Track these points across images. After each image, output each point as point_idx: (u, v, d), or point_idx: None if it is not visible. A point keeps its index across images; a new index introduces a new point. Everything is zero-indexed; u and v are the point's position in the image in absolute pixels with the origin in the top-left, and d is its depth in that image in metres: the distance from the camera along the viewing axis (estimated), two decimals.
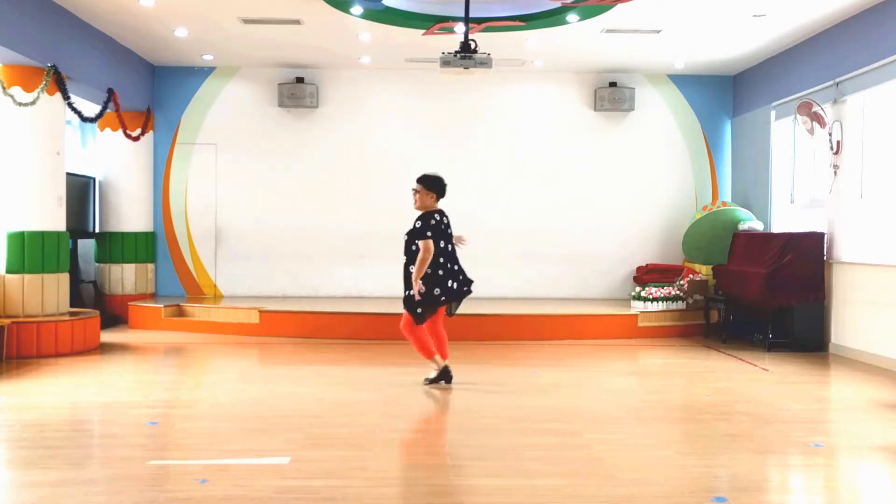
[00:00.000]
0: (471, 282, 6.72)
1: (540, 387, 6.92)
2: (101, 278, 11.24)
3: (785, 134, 10.43)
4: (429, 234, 6.33)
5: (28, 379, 6.96)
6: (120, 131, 10.55)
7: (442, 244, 6.43)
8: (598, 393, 6.72)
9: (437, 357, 6.63)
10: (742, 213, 10.66)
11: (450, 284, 6.48)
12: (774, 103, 10.51)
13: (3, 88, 8.16)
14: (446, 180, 6.66)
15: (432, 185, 6.56)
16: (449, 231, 6.59)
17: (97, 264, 11.33)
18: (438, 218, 6.49)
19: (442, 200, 11.64)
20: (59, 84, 8.51)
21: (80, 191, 10.68)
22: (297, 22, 9.26)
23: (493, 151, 11.91)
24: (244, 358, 8.46)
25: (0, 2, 7.49)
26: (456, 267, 6.59)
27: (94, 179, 11.30)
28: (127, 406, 5.92)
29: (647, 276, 11.25)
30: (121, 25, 9.51)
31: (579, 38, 9.93)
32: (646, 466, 4.55)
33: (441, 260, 6.40)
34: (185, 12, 8.99)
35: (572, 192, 11.90)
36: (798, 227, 10.02)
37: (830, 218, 9.13)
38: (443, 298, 6.45)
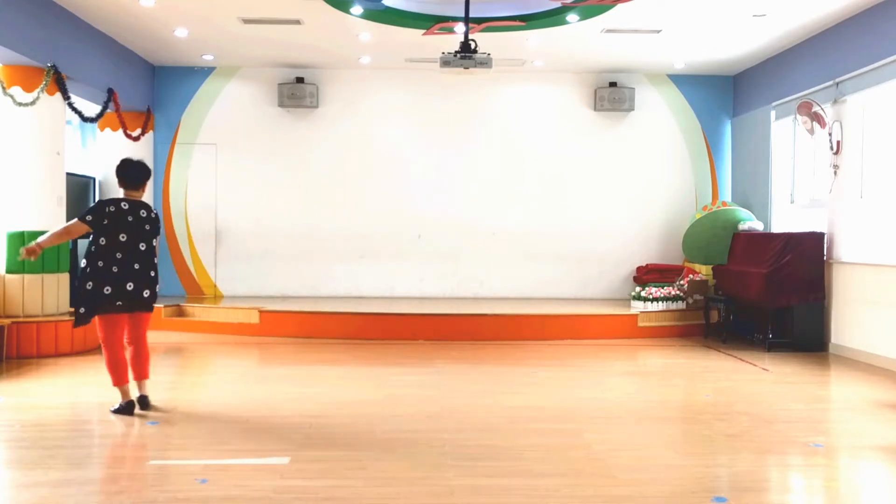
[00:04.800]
0: (143, 296, 5.70)
1: (540, 387, 6.92)
2: None
3: (785, 134, 10.43)
4: (88, 217, 5.55)
5: (28, 379, 6.96)
6: (120, 131, 10.56)
7: (123, 238, 5.58)
8: (598, 393, 6.72)
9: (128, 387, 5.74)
10: (742, 213, 10.66)
11: (128, 287, 5.59)
12: (774, 103, 10.52)
13: (3, 88, 8.16)
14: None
15: (117, 172, 5.80)
16: (147, 227, 5.74)
17: None
18: (125, 208, 5.64)
19: (441, 200, 11.76)
20: (59, 84, 8.51)
21: (80, 191, 10.68)
22: (297, 22, 9.27)
23: (493, 151, 11.91)
24: (244, 358, 8.46)
25: (0, 2, 7.50)
26: (138, 267, 5.66)
27: (94, 179, 11.30)
28: None
29: (647, 276, 11.25)
30: (121, 25, 9.51)
31: (579, 38, 9.94)
32: (646, 466, 4.55)
33: (118, 255, 5.57)
34: (185, 12, 8.99)
35: (572, 192, 11.90)
36: (798, 227, 10.02)
37: (830, 218, 9.13)
38: (119, 303, 5.58)
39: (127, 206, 5.66)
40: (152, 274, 5.77)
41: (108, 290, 5.54)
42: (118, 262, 5.57)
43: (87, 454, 4.82)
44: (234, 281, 11.80)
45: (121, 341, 5.75)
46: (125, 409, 5.66)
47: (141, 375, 5.85)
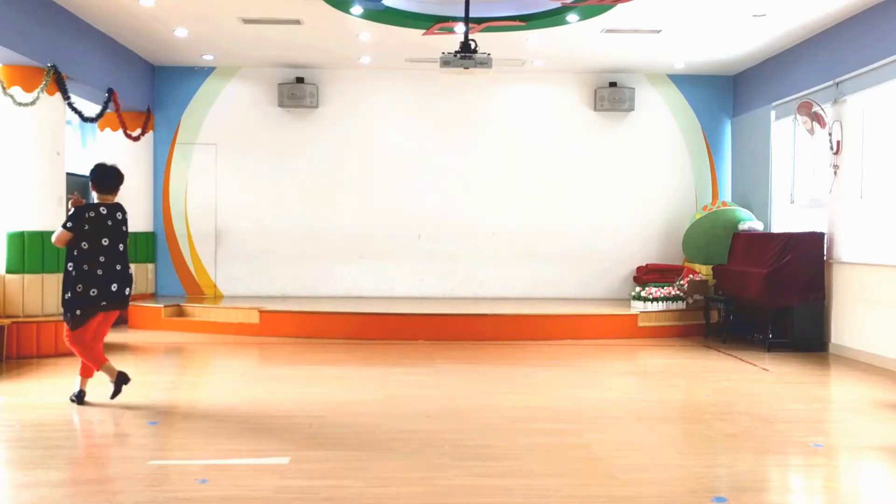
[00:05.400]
0: (125, 295, 5.87)
1: (540, 387, 6.92)
2: None
3: (785, 134, 10.43)
4: (69, 224, 5.72)
5: (28, 379, 6.96)
6: (120, 131, 10.56)
7: (105, 241, 5.76)
8: (598, 393, 6.72)
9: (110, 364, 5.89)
10: (742, 213, 10.66)
11: (112, 288, 5.77)
12: (774, 103, 10.51)
13: (3, 88, 8.16)
14: (109, 172, 5.91)
15: (91, 176, 6.01)
16: (123, 228, 5.92)
17: None
18: (104, 212, 5.81)
19: (441, 200, 11.76)
20: (59, 84, 8.50)
21: (79, 191, 10.64)
22: (297, 22, 9.26)
23: (493, 151, 11.91)
24: (244, 358, 8.46)
25: (0, 2, 7.50)
26: (119, 268, 5.84)
27: None
28: (127, 406, 5.92)
29: (647, 276, 11.25)
30: (121, 25, 9.51)
31: (579, 38, 9.93)
32: (646, 466, 4.55)
33: (102, 259, 5.74)
34: (185, 12, 8.99)
35: (572, 192, 11.90)
36: (798, 227, 10.02)
37: (830, 218, 9.13)
38: (104, 303, 5.74)
39: (105, 211, 5.86)
40: (130, 272, 5.98)
41: (94, 292, 5.73)
42: (102, 266, 5.77)
43: (87, 454, 4.83)
44: (234, 281, 11.80)
45: (90, 335, 5.87)
46: (120, 380, 5.81)
47: (90, 372, 5.97)
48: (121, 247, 5.88)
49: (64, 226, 5.76)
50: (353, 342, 9.32)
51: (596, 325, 9.82)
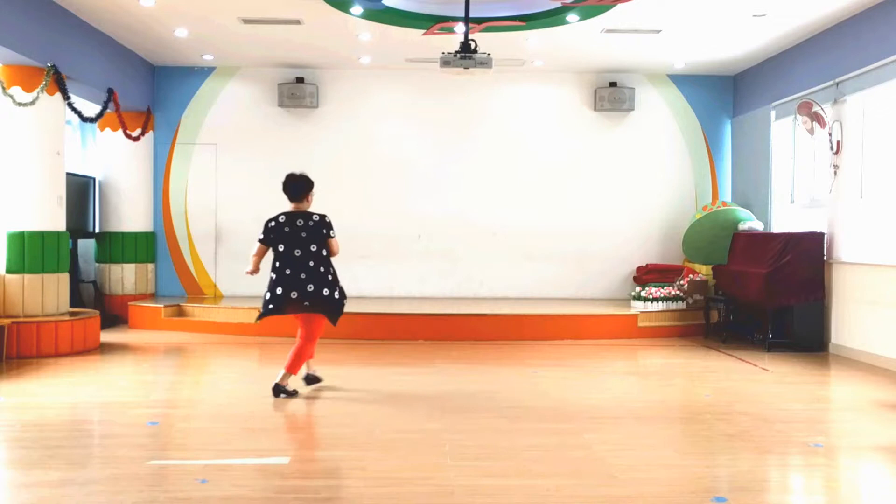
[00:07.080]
0: (310, 295, 6.10)
1: (540, 387, 6.92)
2: (101, 278, 11.24)
3: (785, 134, 10.43)
4: (261, 236, 6.25)
5: (28, 379, 6.96)
6: (120, 131, 10.55)
7: (281, 248, 6.13)
8: (598, 393, 6.72)
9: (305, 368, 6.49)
10: (742, 213, 10.66)
11: (278, 292, 6.10)
12: (774, 103, 10.51)
13: (3, 88, 8.16)
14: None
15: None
16: (302, 234, 6.15)
17: (97, 264, 11.33)
18: (282, 220, 6.21)
19: (441, 200, 11.76)
20: (59, 84, 8.51)
21: (80, 191, 10.68)
22: (297, 22, 9.27)
23: (493, 151, 11.90)
24: (244, 358, 8.46)
25: (0, 2, 7.50)
26: (291, 272, 6.10)
27: (94, 179, 11.30)
28: (127, 406, 5.92)
29: (647, 276, 11.25)
30: (121, 25, 9.51)
31: (579, 38, 9.94)
32: (646, 466, 4.55)
33: (277, 264, 6.15)
34: (185, 12, 8.99)
35: (572, 192, 11.90)
36: (798, 227, 10.02)
37: (830, 218, 9.13)
38: (270, 307, 6.14)
39: (284, 219, 6.18)
40: (303, 276, 6.07)
41: (268, 294, 6.13)
42: (276, 270, 6.12)
43: (87, 454, 4.82)
44: (234, 281, 11.79)
45: (300, 336, 6.35)
46: (311, 380, 6.56)
47: (287, 368, 6.30)
48: (297, 252, 6.07)
49: (259, 238, 6.25)
50: (353, 342, 9.31)
51: (596, 325, 9.82)
